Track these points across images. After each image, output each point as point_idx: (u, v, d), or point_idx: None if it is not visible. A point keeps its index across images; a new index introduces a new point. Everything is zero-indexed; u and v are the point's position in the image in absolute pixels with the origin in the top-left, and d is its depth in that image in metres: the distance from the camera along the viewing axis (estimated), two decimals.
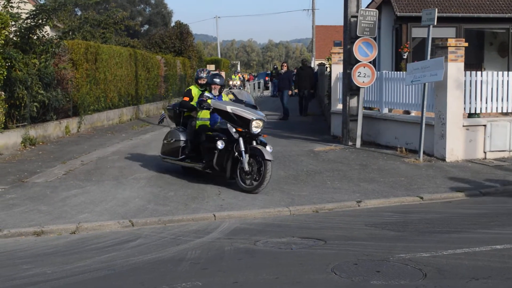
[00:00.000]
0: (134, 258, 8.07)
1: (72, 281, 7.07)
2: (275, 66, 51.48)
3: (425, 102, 15.22)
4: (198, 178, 13.65)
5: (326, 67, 30.81)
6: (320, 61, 45.63)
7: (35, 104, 18.73)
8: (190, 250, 8.40)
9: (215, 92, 13.39)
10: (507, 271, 6.92)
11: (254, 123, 12.21)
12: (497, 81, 15.73)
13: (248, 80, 56.44)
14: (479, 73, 15.70)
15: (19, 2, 18.50)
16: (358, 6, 17.69)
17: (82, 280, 7.12)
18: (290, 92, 27.96)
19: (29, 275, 7.39)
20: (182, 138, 13.76)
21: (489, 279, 6.65)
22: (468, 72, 15.43)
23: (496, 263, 7.24)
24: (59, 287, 6.86)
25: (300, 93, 29.10)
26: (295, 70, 31.56)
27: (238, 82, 50.43)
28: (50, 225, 10.01)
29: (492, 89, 15.69)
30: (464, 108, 15.41)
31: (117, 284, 6.87)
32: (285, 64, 30.70)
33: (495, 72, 15.86)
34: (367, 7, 24.70)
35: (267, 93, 53.96)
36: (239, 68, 76.98)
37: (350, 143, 17.82)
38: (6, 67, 16.96)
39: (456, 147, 15.14)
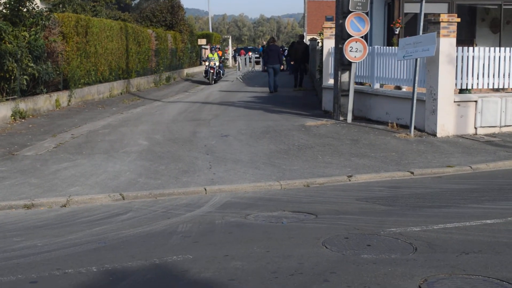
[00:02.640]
0: (125, 231, 8.07)
1: (63, 254, 7.06)
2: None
3: (416, 78, 15.19)
4: (190, 151, 13.64)
5: (318, 42, 30.78)
6: (312, 36, 45.31)
7: (25, 77, 18.63)
8: (181, 224, 8.41)
9: None
10: (497, 245, 6.95)
11: None
12: (489, 57, 15.71)
13: (239, 55, 54.15)
14: (470, 48, 15.68)
15: None
16: None
17: (73, 252, 7.11)
18: (282, 67, 28.94)
19: (19, 247, 7.38)
20: None
21: (479, 253, 6.68)
22: (460, 48, 15.41)
23: (486, 238, 7.27)
24: (50, 259, 6.85)
25: (296, 65, 30.27)
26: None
27: (217, 63, 36.11)
28: (41, 198, 9.99)
29: (483, 65, 15.68)
30: (456, 84, 15.40)
31: (108, 256, 6.87)
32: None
33: (486, 48, 15.84)
34: None
35: (258, 68, 53.61)
36: (230, 43, 75.23)
37: (341, 118, 17.81)
38: None
39: (447, 123, 15.16)
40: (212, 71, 35.35)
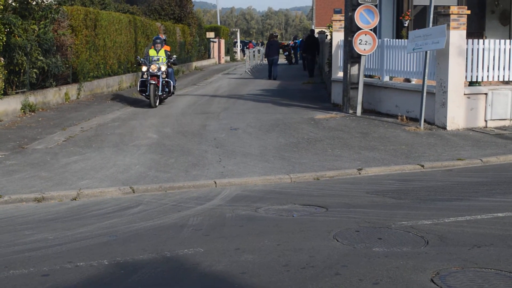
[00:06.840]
0: (136, 225, 8.08)
1: (73, 247, 7.07)
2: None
3: (426, 70, 15.14)
4: (199, 145, 13.64)
5: (327, 35, 30.77)
6: (320, 29, 45.18)
7: (35, 70, 18.64)
8: (191, 217, 8.41)
9: None
10: (509, 239, 6.92)
11: None
12: (499, 49, 15.63)
13: (247, 48, 53.47)
14: (481, 41, 15.60)
15: None
16: None
17: (84, 245, 7.12)
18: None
19: (30, 240, 7.39)
20: None
21: (491, 246, 6.66)
22: (470, 40, 15.33)
23: (498, 231, 7.25)
24: (61, 252, 6.87)
25: (308, 57, 34.00)
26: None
27: (163, 68, 19.99)
28: (51, 191, 10.01)
29: (493, 57, 15.61)
30: (466, 77, 15.34)
31: (119, 249, 6.87)
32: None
33: (497, 40, 15.76)
34: None
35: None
36: (238, 36, 74.71)
37: (350, 111, 17.77)
38: (5, 33, 16.84)
39: (457, 116, 15.11)
40: (154, 82, 19.87)
